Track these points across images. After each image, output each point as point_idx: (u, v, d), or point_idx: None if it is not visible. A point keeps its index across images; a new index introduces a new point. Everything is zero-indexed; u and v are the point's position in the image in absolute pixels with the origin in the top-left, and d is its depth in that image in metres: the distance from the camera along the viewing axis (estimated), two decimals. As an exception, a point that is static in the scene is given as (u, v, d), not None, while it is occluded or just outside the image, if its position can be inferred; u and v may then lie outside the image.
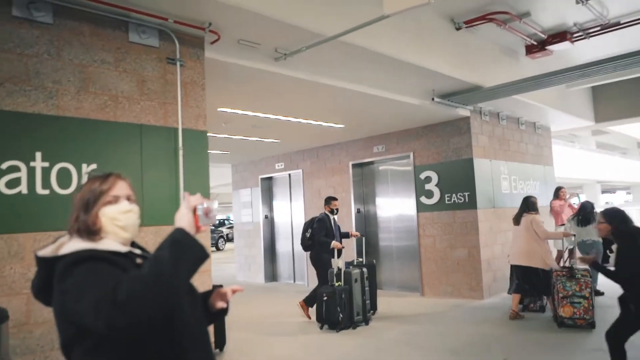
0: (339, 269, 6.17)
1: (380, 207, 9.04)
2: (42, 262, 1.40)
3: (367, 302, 6.28)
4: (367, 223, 9.13)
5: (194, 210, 1.40)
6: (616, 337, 3.58)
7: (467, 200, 7.51)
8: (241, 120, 6.87)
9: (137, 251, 1.51)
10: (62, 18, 3.45)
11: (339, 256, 6.35)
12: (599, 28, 6.55)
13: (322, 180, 9.66)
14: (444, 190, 7.78)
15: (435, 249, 7.87)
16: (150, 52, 3.90)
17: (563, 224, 8.12)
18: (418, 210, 8.10)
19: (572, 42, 6.70)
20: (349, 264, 6.55)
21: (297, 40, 4.51)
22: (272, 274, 10.88)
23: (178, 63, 4.01)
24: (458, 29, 6.06)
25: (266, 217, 10.99)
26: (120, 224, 1.47)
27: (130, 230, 1.51)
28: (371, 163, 9.08)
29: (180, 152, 3.92)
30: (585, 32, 6.63)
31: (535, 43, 6.86)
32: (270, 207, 11.05)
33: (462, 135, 7.62)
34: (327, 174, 9.56)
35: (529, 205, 6.17)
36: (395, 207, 8.73)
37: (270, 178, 10.98)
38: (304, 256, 10.00)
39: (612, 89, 9.62)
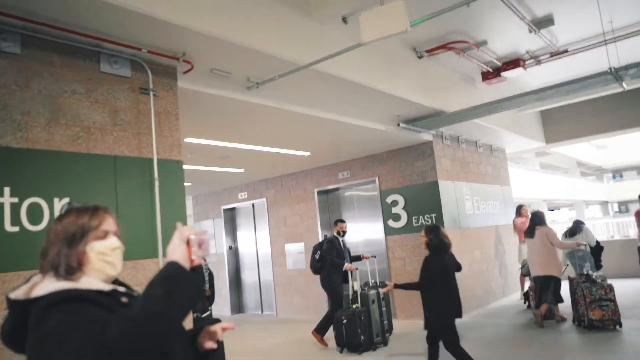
0: (355, 291, 6.13)
1: (348, 233, 9.01)
2: (14, 305, 1.29)
3: (385, 322, 6.25)
4: (335, 249, 9.10)
5: (187, 242, 1.32)
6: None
7: (434, 221, 7.64)
8: (207, 151, 6.77)
9: (121, 289, 1.40)
10: (31, 48, 3.32)
11: (353, 278, 6.30)
12: (548, 55, 6.96)
13: (287, 208, 9.60)
14: (411, 213, 7.91)
15: (405, 271, 7.93)
16: (123, 82, 3.80)
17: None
18: (386, 234, 8.17)
19: (525, 68, 7.07)
20: (363, 286, 6.50)
21: (270, 69, 4.53)
22: (238, 306, 10.61)
23: (151, 93, 3.93)
24: (420, 57, 6.28)
25: (230, 247, 10.77)
26: (109, 260, 1.38)
27: (118, 267, 1.42)
28: (336, 189, 9.13)
29: (156, 183, 3.81)
30: (536, 60, 7.03)
31: (490, 70, 7.19)
32: (234, 238, 10.85)
33: (426, 158, 7.81)
34: (292, 202, 9.52)
35: (538, 219, 6.68)
36: (363, 231, 8.77)
37: (233, 209, 10.81)
38: (271, 286, 9.84)
39: (559, 112, 10.19)
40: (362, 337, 5.87)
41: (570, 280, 6.37)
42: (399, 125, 6.83)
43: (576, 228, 7.36)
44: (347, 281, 6.40)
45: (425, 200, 7.77)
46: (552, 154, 24.76)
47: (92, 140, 3.54)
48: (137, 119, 3.84)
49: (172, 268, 1.25)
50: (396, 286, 4.50)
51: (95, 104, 3.60)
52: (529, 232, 6.71)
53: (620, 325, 5.87)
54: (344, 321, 5.95)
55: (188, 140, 6.07)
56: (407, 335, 6.64)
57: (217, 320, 4.97)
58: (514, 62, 7.02)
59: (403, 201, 8.01)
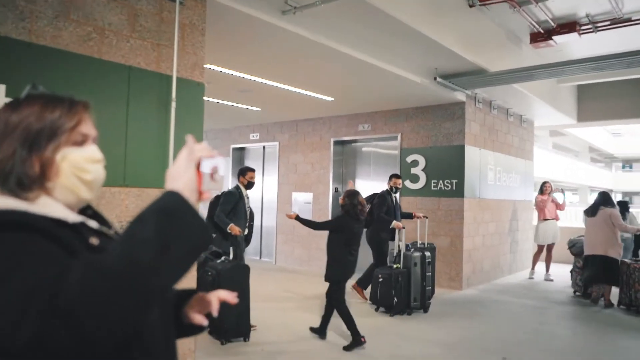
0: (399, 251, 5.86)
1: (361, 188, 8.63)
2: None
3: (428, 288, 5.86)
4: (344, 204, 8.75)
5: (198, 167, 0.90)
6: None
7: (454, 187, 7.24)
8: (227, 82, 6.25)
9: (93, 223, 0.97)
10: None
11: (400, 237, 6.01)
12: (608, 22, 6.33)
13: (299, 155, 9.17)
14: (431, 176, 7.48)
15: (417, 236, 7.57)
16: (146, -19, 3.27)
17: (546, 219, 8.04)
18: (401, 194, 7.76)
19: (580, 34, 6.45)
20: (410, 246, 6.21)
21: (312, -8, 3.98)
22: (236, 249, 10.36)
23: (177, 0, 3.40)
24: (471, 5, 5.67)
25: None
26: (87, 178, 0.95)
27: (96, 189, 0.99)
28: (354, 141, 8.66)
29: (173, 105, 3.35)
30: (594, 25, 6.40)
31: (542, 31, 6.57)
32: (240, 179, 10.45)
33: (455, 120, 7.31)
34: (306, 149, 9.07)
35: (604, 199, 6.46)
36: (376, 188, 8.33)
37: (243, 148, 10.36)
38: (273, 233, 9.54)
39: (597, 89, 9.57)
40: (396, 299, 5.59)
41: (625, 264, 6.16)
42: (435, 79, 6.29)
43: (622, 212, 6.93)
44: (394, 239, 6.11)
45: (447, 164, 7.32)
46: (566, 135, 24.18)
47: (106, 45, 3.05)
48: (158, 28, 3.33)
49: (173, 200, 0.83)
50: (297, 218, 4.85)
51: (113, 3, 3.09)
52: (591, 211, 6.46)
53: None
54: (380, 279, 5.72)
55: (207, 66, 5.55)
56: (449, 304, 6.34)
57: (246, 267, 4.61)
58: (569, 25, 6.40)
59: (424, 162, 7.56)
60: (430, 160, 7.50)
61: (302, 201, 9.05)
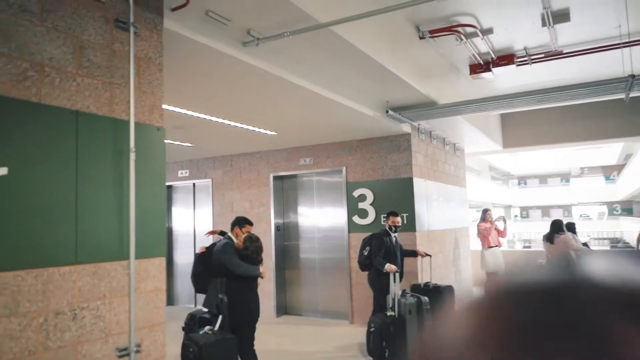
0: (394, 296, 5.42)
1: (305, 228, 8.21)
2: None
3: None
4: (287, 246, 8.23)
5: None
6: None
7: (405, 221, 7.03)
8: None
9: None
10: None
11: (394, 280, 5.53)
12: (542, 55, 6.57)
13: (236, 192, 8.54)
14: (380, 210, 7.24)
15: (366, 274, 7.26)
16: (93, 7, 2.66)
17: (491, 246, 8.11)
18: (349, 231, 7.44)
19: (517, 66, 6.63)
20: (408, 290, 5.75)
21: (278, 22, 3.57)
22: (167, 297, 9.37)
23: (132, 29, 2.81)
24: (422, 37, 5.57)
25: (161, 231, 9.47)
26: None
27: None
28: (294, 176, 8.23)
29: (132, 156, 2.73)
30: (530, 58, 6.61)
31: (481, 63, 6.67)
32: (168, 221, 9.55)
33: (402, 152, 7.17)
34: (243, 185, 8.48)
35: (558, 227, 7.20)
36: (323, 227, 7.95)
37: (170, 187, 9.49)
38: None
39: (518, 117, 10.04)
40: (387, 351, 5.12)
41: None
42: (387, 112, 6.09)
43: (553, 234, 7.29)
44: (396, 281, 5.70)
45: (396, 198, 7.12)
46: (470, 156, 25.75)
47: (47, 85, 2.39)
48: (109, 63, 2.72)
49: None
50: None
51: (54, 32, 2.45)
52: (549, 238, 7.19)
53: None
54: (372, 329, 5.27)
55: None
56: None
57: (232, 340, 3.90)
58: (508, 58, 6.55)
59: (372, 196, 7.31)
60: (379, 194, 7.27)
61: (240, 242, 8.40)
